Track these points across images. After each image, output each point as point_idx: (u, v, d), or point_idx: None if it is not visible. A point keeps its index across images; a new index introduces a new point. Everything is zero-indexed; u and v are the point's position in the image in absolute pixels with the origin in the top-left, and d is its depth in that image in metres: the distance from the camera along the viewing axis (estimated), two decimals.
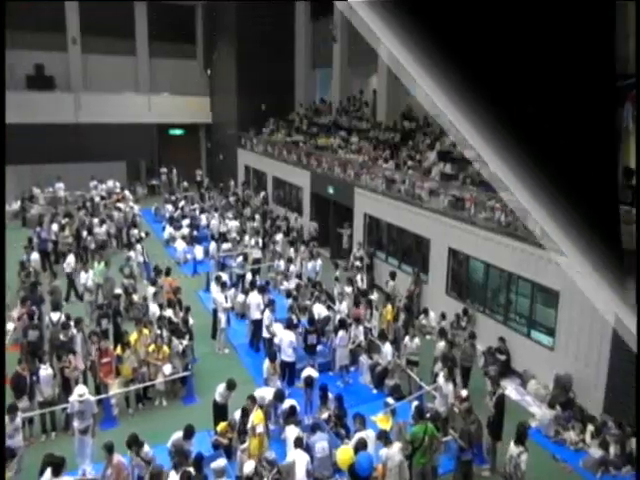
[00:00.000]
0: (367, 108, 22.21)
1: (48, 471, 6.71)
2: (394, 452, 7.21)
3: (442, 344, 10.31)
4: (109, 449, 7.34)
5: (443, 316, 12.25)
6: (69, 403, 8.54)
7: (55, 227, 17.52)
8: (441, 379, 8.97)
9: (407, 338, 10.59)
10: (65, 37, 27.27)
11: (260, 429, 7.80)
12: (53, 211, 20.50)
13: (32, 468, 7.61)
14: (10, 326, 11.92)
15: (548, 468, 8.61)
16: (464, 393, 8.15)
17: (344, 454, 7.30)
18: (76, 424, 8.27)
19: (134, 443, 7.43)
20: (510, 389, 10.36)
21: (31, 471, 7.61)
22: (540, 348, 10.70)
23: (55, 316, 11.43)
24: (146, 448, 7.47)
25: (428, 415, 7.85)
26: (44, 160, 24.74)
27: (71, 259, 14.85)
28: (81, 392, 8.27)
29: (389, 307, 12.06)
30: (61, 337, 10.54)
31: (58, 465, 6.76)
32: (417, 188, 14.69)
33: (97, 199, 22.67)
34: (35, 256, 15.01)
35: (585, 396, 9.59)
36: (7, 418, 7.85)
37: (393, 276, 14.02)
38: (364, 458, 6.95)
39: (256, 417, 7.95)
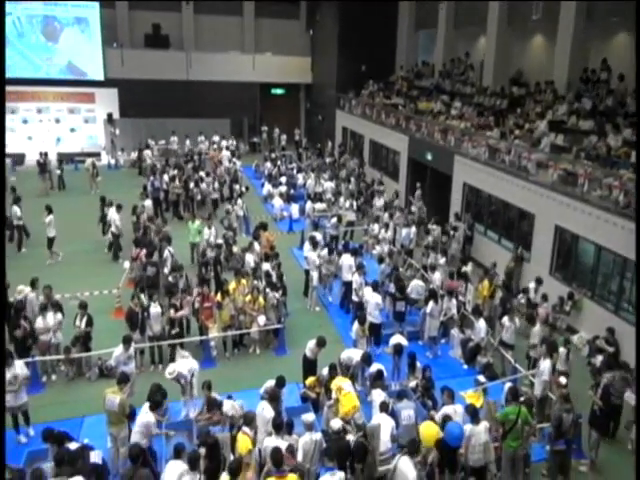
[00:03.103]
0: (472, 72, 21.02)
1: (146, 405, 7.37)
2: (480, 430, 7.00)
3: (536, 329, 9.77)
4: (208, 387, 7.99)
5: (545, 298, 11.54)
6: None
7: (166, 177, 18.78)
8: (541, 360, 8.58)
9: (506, 319, 10.12)
10: None
11: (333, 395, 7.95)
12: (163, 162, 21.94)
13: (142, 394, 8.51)
14: (126, 265, 13.14)
15: None
16: (563, 380, 7.73)
17: (429, 429, 7.06)
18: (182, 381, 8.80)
19: (208, 388, 7.94)
20: None
21: (141, 396, 8.50)
22: None
23: (172, 249, 12.71)
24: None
25: (522, 399, 7.49)
26: (158, 114, 26.43)
27: (113, 211, 15.02)
28: (170, 370, 8.56)
29: (486, 282, 11.66)
30: (169, 279, 11.49)
31: (158, 403, 7.38)
32: (523, 159, 13.87)
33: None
34: (148, 203, 16.24)
35: None
36: (122, 347, 8.78)
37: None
38: (455, 427, 6.74)
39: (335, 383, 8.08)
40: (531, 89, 17.39)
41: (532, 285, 11.94)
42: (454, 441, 6.68)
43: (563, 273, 12.37)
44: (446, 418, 6.96)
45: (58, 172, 21.14)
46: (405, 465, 6.43)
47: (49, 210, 14.46)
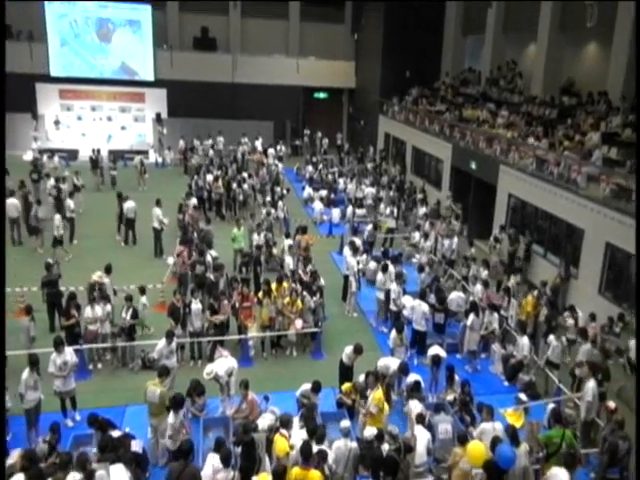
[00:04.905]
0: (521, 80, 20.56)
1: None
2: (520, 454, 6.66)
3: (587, 347, 9.41)
4: (245, 386, 8.08)
5: (593, 317, 11.04)
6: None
7: (210, 177, 19.15)
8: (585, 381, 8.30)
9: (552, 337, 9.78)
10: (227, 2, 28.94)
11: (373, 410, 7.76)
12: (208, 162, 22.39)
13: (181, 388, 8.67)
14: (170, 261, 13.49)
15: None
16: (612, 405, 7.42)
17: (477, 449, 6.70)
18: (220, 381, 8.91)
19: (245, 387, 8.04)
20: None
21: (181, 390, 8.66)
22: None
23: (214, 253, 12.88)
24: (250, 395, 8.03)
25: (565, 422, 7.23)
26: (204, 115, 27.10)
27: (130, 204, 15.53)
28: (208, 371, 8.69)
29: (530, 298, 11.31)
30: (211, 277, 11.71)
31: (179, 402, 7.37)
32: (573, 172, 13.45)
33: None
34: (193, 201, 16.59)
35: None
36: (165, 341, 8.99)
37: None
38: (507, 449, 6.46)
39: (375, 396, 7.87)
40: (583, 99, 16.86)
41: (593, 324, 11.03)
42: (506, 463, 6.39)
43: (613, 292, 11.90)
44: (496, 439, 6.67)
45: (113, 173, 21.36)
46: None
47: (57, 209, 15.05)
